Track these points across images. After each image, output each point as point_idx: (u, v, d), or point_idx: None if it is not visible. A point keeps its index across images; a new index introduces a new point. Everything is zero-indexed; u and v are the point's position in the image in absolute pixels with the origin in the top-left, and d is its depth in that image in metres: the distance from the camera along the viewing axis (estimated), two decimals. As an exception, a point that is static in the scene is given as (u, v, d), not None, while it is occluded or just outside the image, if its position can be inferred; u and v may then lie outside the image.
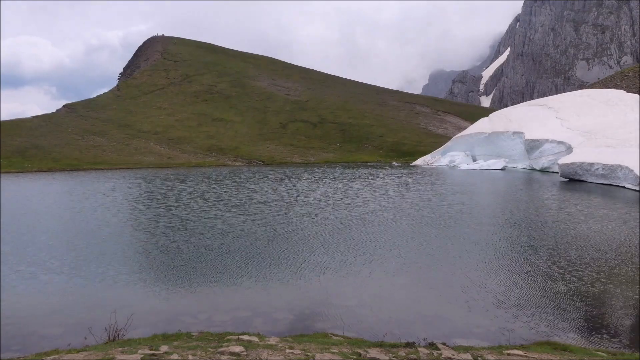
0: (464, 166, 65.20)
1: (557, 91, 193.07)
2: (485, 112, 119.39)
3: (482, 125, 71.59)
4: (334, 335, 8.35)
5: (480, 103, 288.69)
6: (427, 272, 13.71)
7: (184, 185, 38.83)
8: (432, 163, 73.38)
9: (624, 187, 36.26)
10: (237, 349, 6.17)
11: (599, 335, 9.08)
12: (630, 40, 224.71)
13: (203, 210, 24.80)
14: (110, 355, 5.87)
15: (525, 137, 58.26)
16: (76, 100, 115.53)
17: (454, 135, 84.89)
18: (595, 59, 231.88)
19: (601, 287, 11.90)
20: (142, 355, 5.82)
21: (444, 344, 7.16)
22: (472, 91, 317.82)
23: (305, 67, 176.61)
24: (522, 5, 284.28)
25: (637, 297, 11.13)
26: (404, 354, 6.38)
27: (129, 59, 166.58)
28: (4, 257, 14.88)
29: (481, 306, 10.67)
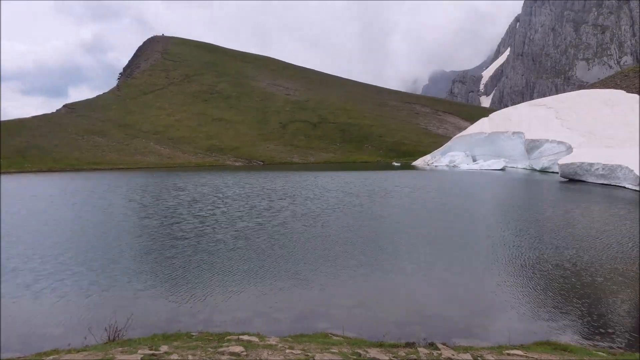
0: (464, 166, 65.21)
1: (557, 91, 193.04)
2: (485, 112, 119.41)
3: (482, 125, 71.59)
4: (334, 335, 8.34)
5: (480, 103, 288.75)
6: (427, 272, 13.71)
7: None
8: (432, 163, 73.41)
9: (624, 187, 36.26)
10: (237, 349, 6.17)
11: (599, 335, 9.08)
12: (630, 40, 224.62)
13: (202, 210, 24.79)
14: (110, 355, 5.87)
15: (525, 137, 58.25)
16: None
17: (454, 135, 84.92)
18: (595, 59, 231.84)
19: (601, 287, 11.90)
20: (142, 355, 5.82)
21: (444, 344, 7.16)
22: (472, 91, 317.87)
23: (305, 67, 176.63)
24: (522, 5, 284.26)
25: (637, 297, 11.13)
26: (404, 354, 6.38)
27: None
28: (4, 257, 14.88)
29: (481, 306, 10.67)
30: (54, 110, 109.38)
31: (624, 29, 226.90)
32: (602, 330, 9.32)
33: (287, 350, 6.26)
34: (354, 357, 6.21)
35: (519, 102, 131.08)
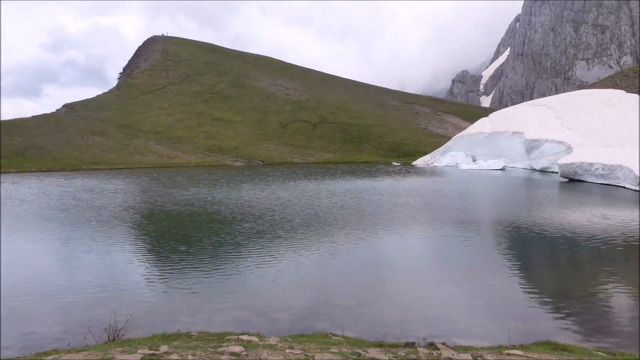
0: (463, 166, 65.21)
1: (557, 91, 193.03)
2: (485, 112, 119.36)
3: (482, 125, 71.58)
4: (333, 335, 8.34)
5: (480, 103, 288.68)
6: (427, 272, 13.71)
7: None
8: (432, 163, 73.40)
9: (624, 187, 36.27)
10: (237, 349, 6.17)
11: (599, 335, 9.08)
12: (630, 40, 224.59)
13: (202, 210, 24.79)
14: (110, 355, 5.87)
15: (525, 137, 58.26)
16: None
17: (454, 135, 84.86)
18: (595, 59, 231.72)
19: (601, 287, 11.90)
20: (142, 355, 5.82)
21: (443, 344, 7.16)
22: (472, 91, 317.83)
23: (305, 67, 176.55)
24: (522, 5, 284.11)
25: (637, 297, 11.13)
26: (404, 354, 6.38)
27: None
28: (4, 256, 14.87)
29: (481, 306, 10.67)
30: (54, 110, 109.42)
31: (624, 29, 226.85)
32: (602, 330, 9.33)
33: (287, 350, 6.26)
34: (354, 357, 6.21)
35: (519, 102, 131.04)
